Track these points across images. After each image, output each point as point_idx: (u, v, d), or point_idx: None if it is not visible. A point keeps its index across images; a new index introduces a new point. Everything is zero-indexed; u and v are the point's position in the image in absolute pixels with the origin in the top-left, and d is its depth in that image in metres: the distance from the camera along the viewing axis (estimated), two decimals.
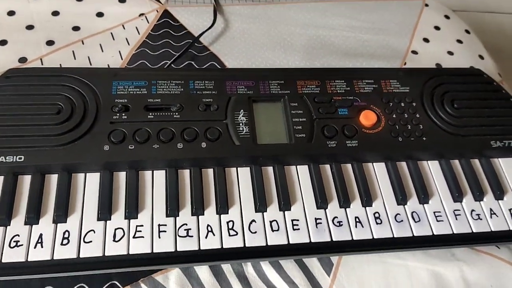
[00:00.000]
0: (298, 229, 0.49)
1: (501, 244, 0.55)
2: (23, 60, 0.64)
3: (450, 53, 0.79)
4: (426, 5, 0.87)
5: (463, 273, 0.52)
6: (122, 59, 0.67)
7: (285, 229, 0.49)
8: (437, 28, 0.83)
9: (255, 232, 0.48)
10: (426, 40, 0.80)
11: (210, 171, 0.52)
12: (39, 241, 0.45)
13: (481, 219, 0.53)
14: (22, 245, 0.44)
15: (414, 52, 0.78)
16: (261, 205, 0.50)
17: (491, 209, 0.54)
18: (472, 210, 0.54)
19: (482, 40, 0.85)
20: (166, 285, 0.48)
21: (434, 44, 0.80)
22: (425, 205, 0.53)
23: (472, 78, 0.65)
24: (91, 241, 0.45)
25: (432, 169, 0.57)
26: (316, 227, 0.50)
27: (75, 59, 0.66)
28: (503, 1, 1.52)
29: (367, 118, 0.57)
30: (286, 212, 0.50)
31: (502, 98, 0.64)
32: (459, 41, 0.82)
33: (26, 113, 0.51)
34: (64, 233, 0.45)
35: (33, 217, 0.46)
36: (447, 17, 0.86)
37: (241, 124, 0.54)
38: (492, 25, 1.42)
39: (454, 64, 0.77)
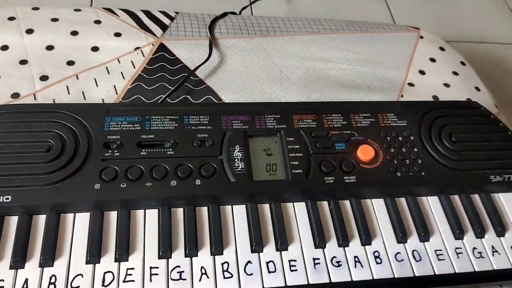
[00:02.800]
0: (296, 270, 0.48)
1: (504, 282, 0.53)
2: (15, 95, 0.63)
3: (447, 85, 0.79)
4: (421, 37, 0.87)
5: None
6: (117, 93, 0.66)
7: (282, 270, 0.47)
8: (432, 60, 0.83)
9: (251, 274, 0.47)
10: (422, 72, 0.80)
11: (205, 209, 0.51)
12: (25, 286, 0.43)
13: (483, 257, 0.52)
14: None
15: (411, 84, 0.77)
16: (257, 245, 0.48)
17: (493, 247, 0.53)
18: (474, 248, 0.52)
19: (477, 70, 0.85)
20: None
21: (430, 76, 0.80)
22: (425, 243, 0.52)
23: (470, 111, 0.65)
24: (78, 286, 0.43)
25: (432, 205, 0.55)
26: (315, 268, 0.48)
27: (69, 94, 0.65)
28: (496, 31, 1.54)
29: (365, 153, 0.56)
30: (283, 252, 0.49)
31: (500, 132, 0.63)
32: (455, 73, 0.82)
33: (15, 151, 0.50)
34: (50, 278, 0.44)
35: (18, 261, 0.44)
36: (442, 49, 0.86)
37: (236, 160, 0.53)
38: (485, 55, 1.43)
39: (451, 96, 0.76)
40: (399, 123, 0.61)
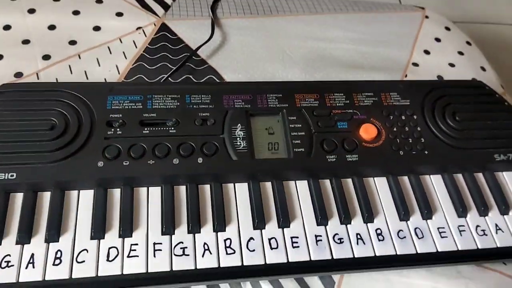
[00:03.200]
0: (298, 246, 0.48)
1: (508, 260, 0.53)
2: (19, 75, 0.63)
3: (452, 65, 0.78)
4: (426, 17, 0.86)
5: None
6: (119, 73, 0.66)
7: (284, 247, 0.48)
8: (437, 40, 0.82)
9: (253, 250, 0.47)
10: (427, 52, 0.79)
11: (207, 187, 0.51)
12: (31, 261, 0.43)
13: (486, 235, 0.52)
14: (13, 265, 0.43)
15: (415, 64, 0.77)
16: (259, 222, 0.48)
17: (496, 225, 0.53)
18: (477, 226, 0.52)
19: (483, 51, 0.84)
20: None
21: (435, 56, 0.79)
22: (428, 221, 0.52)
23: (474, 90, 0.64)
24: (84, 261, 0.44)
25: (435, 183, 0.55)
26: (317, 245, 0.48)
27: (71, 73, 0.65)
28: (503, 12, 1.51)
29: (367, 131, 0.56)
30: (285, 229, 0.49)
31: (505, 111, 0.63)
32: (460, 53, 0.81)
33: (19, 129, 0.50)
34: (56, 253, 0.44)
35: (24, 236, 0.44)
36: (447, 28, 0.85)
37: (238, 138, 0.53)
38: (492, 36, 1.41)
39: (455, 76, 0.76)
40: (402, 102, 0.60)
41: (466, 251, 0.50)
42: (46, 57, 0.66)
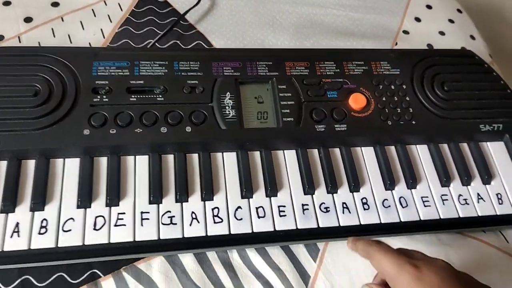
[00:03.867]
0: (285, 215, 0.48)
1: (488, 228, 0.55)
2: (0, 38, 0.61)
3: (442, 33, 0.77)
4: None
5: (449, 257, 0.52)
6: (104, 37, 0.64)
7: (272, 216, 0.48)
8: (429, 7, 0.81)
9: (241, 219, 0.47)
10: (417, 19, 0.78)
11: (195, 156, 0.51)
12: (16, 230, 0.43)
13: (468, 204, 0.53)
14: None
15: (406, 32, 0.76)
16: (247, 191, 0.49)
17: (478, 194, 0.54)
18: (460, 195, 0.53)
19: (473, 19, 0.84)
20: (149, 273, 0.47)
21: (425, 24, 0.78)
22: (413, 190, 0.53)
23: (463, 59, 0.64)
24: (70, 230, 0.44)
25: (421, 153, 0.56)
26: (303, 213, 0.49)
27: (54, 37, 0.63)
28: None
29: (357, 101, 0.56)
30: (272, 198, 0.49)
31: (493, 81, 0.63)
32: (451, 21, 0.80)
33: (1, 95, 0.49)
34: (41, 222, 0.44)
35: (9, 205, 0.44)
36: None
37: (227, 107, 0.53)
38: (482, 3, 1.39)
39: (445, 45, 0.75)
40: (392, 72, 0.60)
41: (448, 219, 0.52)
42: (28, 20, 0.63)
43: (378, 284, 0.43)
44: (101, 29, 0.65)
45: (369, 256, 0.41)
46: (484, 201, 0.53)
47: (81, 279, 0.46)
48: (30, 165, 0.47)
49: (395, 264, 0.38)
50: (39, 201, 0.45)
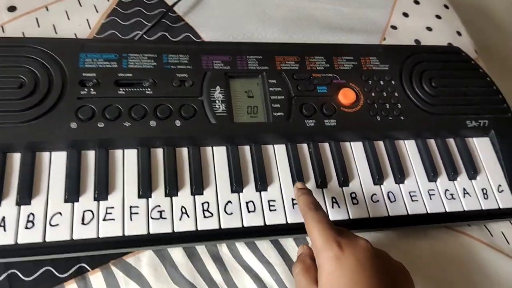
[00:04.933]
0: (275, 210, 0.49)
1: (473, 222, 0.56)
2: None
3: (429, 28, 0.78)
4: None
5: (434, 250, 0.53)
6: (90, 28, 0.63)
7: (262, 210, 0.48)
8: (416, 2, 0.82)
9: (231, 214, 0.47)
10: (405, 14, 0.79)
11: (185, 150, 0.50)
12: (2, 224, 0.42)
13: (454, 199, 0.54)
14: None
15: (394, 27, 0.76)
16: (237, 185, 0.49)
17: (464, 189, 0.55)
18: (446, 190, 0.54)
19: (459, 15, 0.84)
20: (138, 267, 0.46)
21: (413, 19, 0.79)
22: (400, 185, 0.53)
23: (451, 56, 0.65)
24: (57, 224, 0.43)
25: (409, 148, 0.56)
26: (293, 208, 0.49)
27: (39, 27, 0.62)
28: None
29: (346, 96, 0.56)
30: (262, 192, 0.49)
31: (479, 77, 0.64)
32: (438, 17, 0.81)
33: None
34: (28, 216, 0.43)
35: None
36: None
37: (217, 101, 0.52)
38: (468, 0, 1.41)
39: (432, 40, 0.76)
40: (381, 67, 0.60)
41: (434, 214, 0.53)
42: (12, 9, 0.62)
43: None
44: (87, 20, 0.64)
45: (304, 219, 0.44)
46: (470, 196, 0.54)
47: (68, 273, 0.45)
48: (16, 158, 0.46)
49: (322, 238, 0.40)
50: (25, 195, 0.44)
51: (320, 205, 0.45)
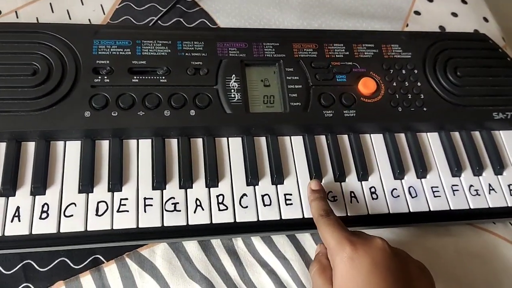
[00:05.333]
0: (291, 204, 0.47)
1: (498, 220, 0.54)
2: None
3: (454, 14, 0.75)
4: None
5: (457, 248, 0.51)
6: (104, 13, 0.62)
7: (278, 204, 0.47)
8: None
9: (246, 207, 0.46)
10: None
11: (199, 141, 0.49)
12: (16, 214, 0.42)
13: (479, 195, 0.52)
14: None
15: (417, 13, 0.73)
16: (252, 178, 0.47)
17: (490, 185, 0.53)
18: (471, 186, 0.52)
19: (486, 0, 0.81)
20: (152, 260, 0.46)
21: (437, 4, 0.75)
22: (422, 179, 0.52)
23: (477, 44, 0.62)
24: (72, 215, 0.43)
25: (432, 141, 0.54)
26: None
27: (53, 12, 0.61)
28: None
29: (366, 86, 0.54)
30: (278, 185, 0.48)
31: (507, 66, 0.61)
32: (464, 2, 0.77)
33: None
34: (43, 206, 0.43)
35: (9, 189, 0.43)
36: None
37: (232, 90, 0.51)
38: None
39: (458, 27, 0.73)
40: (404, 55, 0.58)
41: (458, 210, 0.51)
42: None
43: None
44: (101, 5, 0.63)
45: (317, 226, 0.43)
46: (496, 192, 0.52)
47: (83, 264, 0.45)
48: (30, 147, 0.46)
49: (335, 240, 0.40)
50: (40, 185, 0.43)
51: (332, 211, 0.44)
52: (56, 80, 0.48)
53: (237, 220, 0.45)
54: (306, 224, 0.47)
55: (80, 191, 0.44)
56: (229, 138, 0.50)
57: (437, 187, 0.51)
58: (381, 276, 0.37)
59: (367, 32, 0.64)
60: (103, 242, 0.44)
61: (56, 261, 0.44)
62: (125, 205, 0.44)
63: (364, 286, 0.36)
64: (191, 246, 0.47)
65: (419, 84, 0.56)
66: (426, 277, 0.41)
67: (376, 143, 0.53)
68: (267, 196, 0.47)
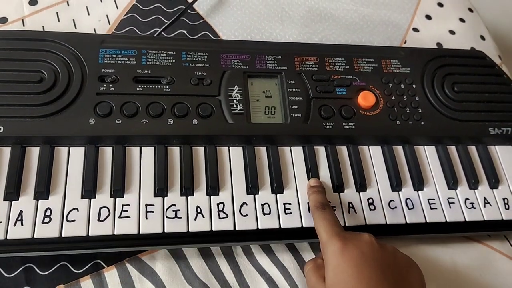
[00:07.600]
0: (290, 213, 0.48)
1: (493, 233, 0.55)
2: (3, 20, 0.60)
3: (452, 32, 0.76)
4: None
5: (454, 260, 0.52)
6: (109, 24, 0.63)
7: (277, 213, 0.48)
8: (440, 5, 0.80)
9: (246, 215, 0.47)
10: (428, 17, 0.77)
11: (201, 149, 0.50)
12: (19, 218, 0.43)
13: (474, 208, 0.53)
14: (1, 222, 0.42)
15: (415, 30, 0.75)
16: (253, 187, 0.48)
17: (485, 198, 0.54)
18: (466, 199, 0.53)
19: (483, 18, 0.83)
20: (152, 266, 0.46)
21: (436, 22, 0.77)
22: (419, 192, 0.52)
23: (474, 61, 0.63)
24: (74, 220, 0.43)
25: (429, 154, 0.55)
26: (309, 212, 0.48)
27: (59, 21, 0.62)
28: None
29: (366, 99, 0.55)
30: (278, 195, 0.49)
31: (503, 83, 0.62)
32: (462, 20, 0.79)
33: (5, 79, 0.48)
34: (45, 211, 0.43)
35: (12, 193, 0.43)
36: None
37: (235, 101, 0.52)
38: (493, 3, 1.38)
39: (455, 44, 0.74)
40: (402, 70, 0.59)
41: (453, 222, 0.51)
42: (33, 2, 0.62)
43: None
44: (107, 15, 0.64)
45: (313, 217, 0.46)
46: (491, 205, 0.53)
47: (84, 269, 0.45)
48: (34, 152, 0.46)
49: (327, 234, 0.42)
50: (43, 190, 0.44)
51: (328, 204, 0.46)
52: (62, 87, 0.49)
53: (237, 228, 0.46)
54: (304, 233, 0.48)
55: (82, 197, 0.45)
56: (231, 148, 0.51)
57: (434, 199, 0.52)
58: (369, 268, 0.39)
59: (367, 47, 0.65)
60: (105, 247, 0.44)
61: (57, 265, 0.45)
62: (127, 211, 0.45)
63: (354, 277, 0.38)
64: (191, 253, 0.48)
65: (417, 98, 0.57)
66: (415, 270, 0.43)
67: (374, 155, 0.54)
68: (266, 205, 0.48)
